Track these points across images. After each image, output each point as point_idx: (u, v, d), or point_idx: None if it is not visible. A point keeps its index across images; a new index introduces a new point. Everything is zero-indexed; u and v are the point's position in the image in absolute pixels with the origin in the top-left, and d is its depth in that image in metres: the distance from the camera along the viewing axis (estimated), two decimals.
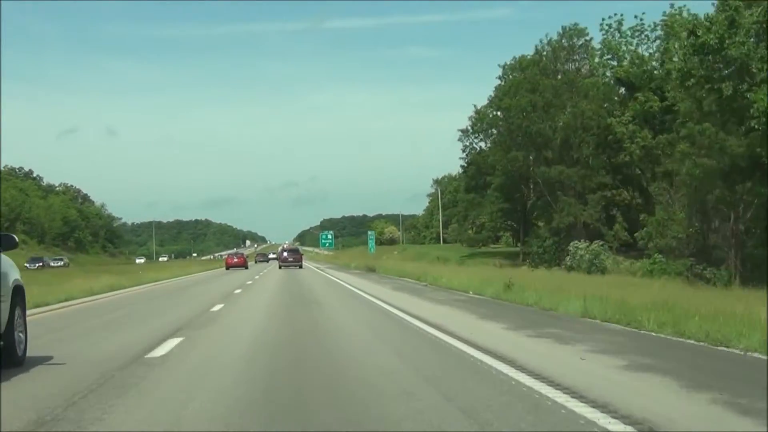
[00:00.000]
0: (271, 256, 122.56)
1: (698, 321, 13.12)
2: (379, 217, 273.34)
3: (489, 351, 10.96)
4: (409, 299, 24.02)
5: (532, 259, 60.13)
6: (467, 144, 67.87)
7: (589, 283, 27.06)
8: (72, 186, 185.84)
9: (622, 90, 60.06)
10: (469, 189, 72.19)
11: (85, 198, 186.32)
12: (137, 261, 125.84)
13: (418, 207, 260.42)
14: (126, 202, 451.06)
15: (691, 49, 37.69)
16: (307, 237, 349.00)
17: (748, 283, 32.77)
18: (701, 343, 11.73)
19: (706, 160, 37.01)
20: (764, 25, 35.73)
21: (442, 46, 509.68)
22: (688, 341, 12.06)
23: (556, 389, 7.73)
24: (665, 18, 51.33)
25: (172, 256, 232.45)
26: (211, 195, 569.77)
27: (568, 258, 48.73)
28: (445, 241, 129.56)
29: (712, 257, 40.56)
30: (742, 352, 10.71)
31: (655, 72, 58.59)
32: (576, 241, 48.68)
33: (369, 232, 64.25)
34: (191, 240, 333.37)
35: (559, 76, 60.51)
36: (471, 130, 67.71)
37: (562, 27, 61.36)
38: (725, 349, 11.11)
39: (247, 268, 71.00)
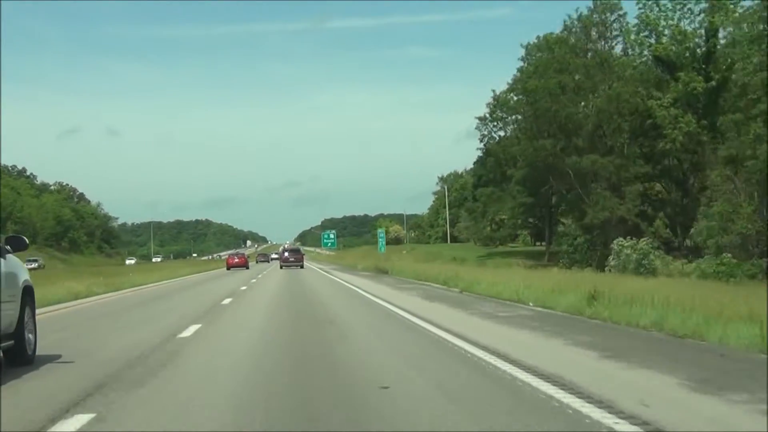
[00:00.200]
0: (273, 256, 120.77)
1: None
2: (381, 216, 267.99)
3: None
4: (456, 315, 17.43)
5: (561, 259, 53.33)
6: (485, 133, 61.04)
7: (674, 288, 20.18)
8: (67, 185, 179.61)
9: (660, 71, 53.25)
10: (487, 182, 65.12)
11: (81, 197, 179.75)
12: (127, 262, 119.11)
13: (419, 206, 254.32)
14: (127, 202, 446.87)
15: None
16: (308, 237, 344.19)
17: None
18: None
19: None
20: None
21: (443, 46, 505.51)
22: None
23: None
24: None
25: (171, 256, 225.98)
26: (212, 195, 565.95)
27: (611, 258, 41.99)
28: (453, 240, 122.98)
29: None
30: None
31: (698, 50, 51.95)
32: (620, 239, 42.01)
33: (379, 230, 57.16)
34: (191, 240, 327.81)
35: (590, 55, 53.69)
36: (489, 118, 60.91)
37: (593, 1, 54.47)
38: None
39: (248, 268, 69.77)
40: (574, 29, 55.01)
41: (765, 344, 9.94)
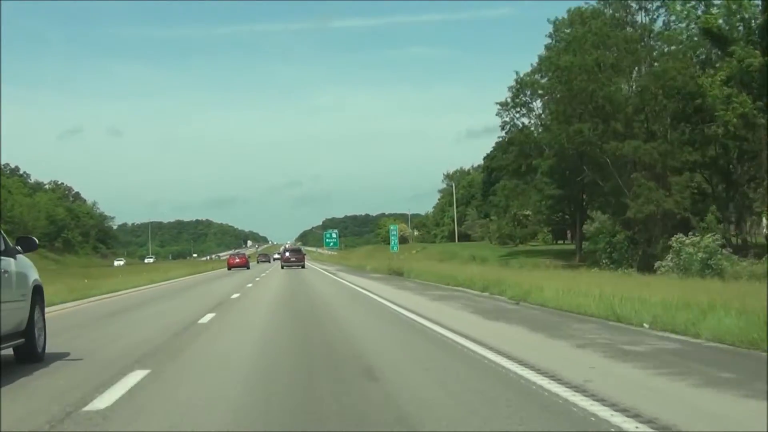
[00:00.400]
0: (275, 256, 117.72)
1: None
2: (382, 216, 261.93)
3: None
4: (560, 350, 11.12)
5: (597, 259, 46.65)
6: (507, 120, 54.25)
7: None
8: (62, 184, 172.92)
9: (710, 45, 46.53)
10: (502, 176, 58.21)
11: (77, 196, 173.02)
12: (116, 263, 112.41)
13: (420, 206, 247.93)
14: (128, 203, 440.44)
15: None
16: (309, 237, 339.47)
17: None
18: None
19: None
20: None
21: (444, 47, 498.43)
22: None
23: None
24: None
25: (170, 257, 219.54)
26: (213, 195, 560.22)
27: (669, 257, 35.34)
28: (461, 239, 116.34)
29: None
30: None
31: (754, 22, 45.21)
32: (680, 236, 35.37)
33: (391, 227, 50.24)
34: (191, 240, 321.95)
35: (629, 29, 46.99)
36: (511, 103, 54.12)
37: None
38: None
39: (248, 268, 69.24)
40: (610, 0, 48.16)
41: None
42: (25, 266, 10.12)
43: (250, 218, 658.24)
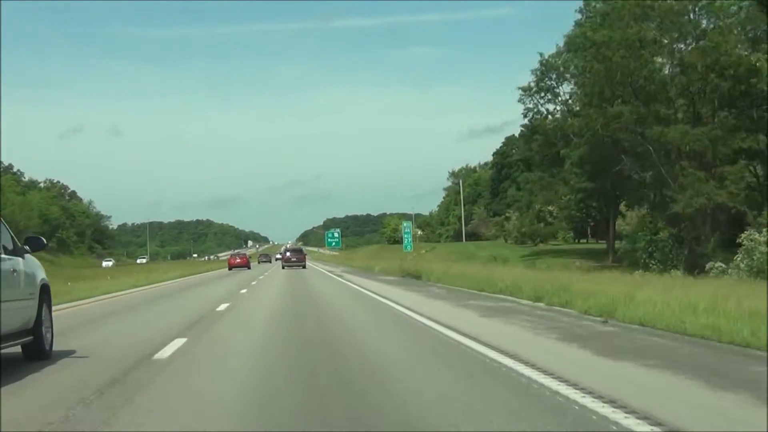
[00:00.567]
0: (277, 256, 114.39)
1: None
2: (384, 215, 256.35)
3: None
4: None
5: (635, 259, 40.98)
6: (530, 106, 48.49)
7: None
8: (58, 182, 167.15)
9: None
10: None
11: (73, 195, 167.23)
12: (104, 264, 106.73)
13: (421, 206, 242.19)
14: (128, 203, 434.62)
15: None
16: (310, 237, 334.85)
17: None
18: None
19: None
20: None
21: (445, 46, 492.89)
22: None
23: None
24: None
25: (168, 257, 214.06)
26: (214, 195, 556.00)
27: (738, 257, 29.70)
28: (468, 238, 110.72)
29: None
30: None
31: None
32: (752, 232, 29.71)
33: (404, 224, 44.09)
34: (192, 240, 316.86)
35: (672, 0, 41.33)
36: (535, 88, 48.39)
37: None
38: None
39: (249, 268, 68.31)
40: None
41: None
42: (33, 265, 10.22)
43: (250, 218, 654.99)
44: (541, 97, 48.76)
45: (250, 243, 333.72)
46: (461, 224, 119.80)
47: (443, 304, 19.37)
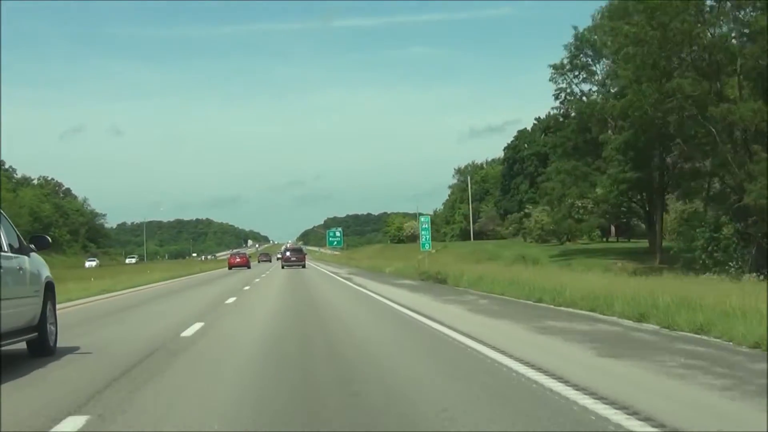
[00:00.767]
0: (278, 256, 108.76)
1: None
2: (384, 215, 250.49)
3: None
4: None
5: (692, 259, 34.82)
6: (563, 86, 42.20)
7: None
8: (52, 179, 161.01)
9: None
10: (566, 154, 45.80)
11: (67, 192, 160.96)
12: (87, 264, 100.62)
13: (422, 205, 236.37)
14: (128, 202, 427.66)
15: None
16: (311, 236, 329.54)
17: None
18: None
19: None
20: None
21: (446, 46, 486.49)
22: None
23: None
24: None
25: (166, 256, 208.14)
26: (214, 194, 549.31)
27: None
28: (476, 237, 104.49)
29: None
30: None
31: None
32: None
33: (421, 218, 37.36)
34: (191, 240, 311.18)
35: None
36: (568, 66, 42.15)
37: None
38: None
39: (249, 267, 67.96)
40: None
41: None
42: (38, 264, 10.28)
43: (250, 218, 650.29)
44: (575, 76, 42.56)
45: (249, 242, 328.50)
46: (468, 222, 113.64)
47: (513, 328, 13.17)
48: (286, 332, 12.97)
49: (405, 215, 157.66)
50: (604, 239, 60.73)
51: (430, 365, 9.02)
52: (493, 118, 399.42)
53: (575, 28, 42.23)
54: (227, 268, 66.90)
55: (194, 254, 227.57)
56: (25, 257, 9.74)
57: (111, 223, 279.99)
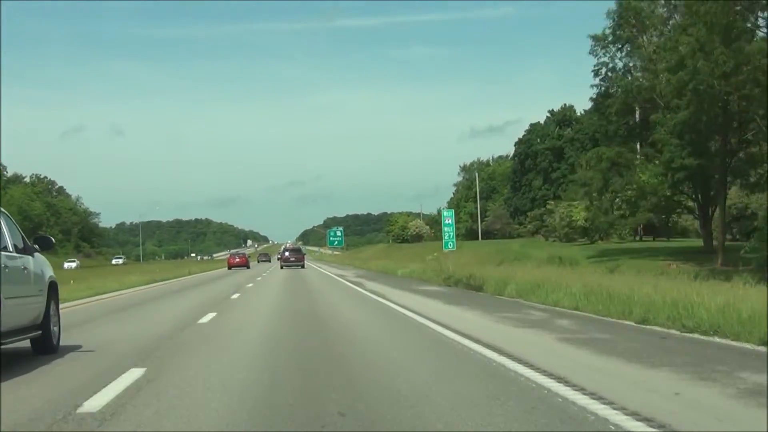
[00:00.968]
0: (278, 256, 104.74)
1: None
2: (385, 215, 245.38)
3: None
4: None
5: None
6: (605, 60, 36.07)
7: None
8: (45, 177, 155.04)
9: None
10: (606, 138, 39.39)
11: (60, 191, 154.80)
12: (66, 266, 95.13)
13: (424, 205, 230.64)
14: (127, 201, 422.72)
15: None
16: (310, 236, 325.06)
17: None
18: None
19: None
20: None
21: (447, 46, 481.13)
22: None
23: None
24: None
25: (162, 256, 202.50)
26: (214, 194, 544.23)
27: None
28: (484, 236, 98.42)
29: None
30: None
31: None
32: None
33: (444, 212, 30.71)
34: (190, 240, 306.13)
35: None
36: (611, 37, 36.01)
37: None
38: None
39: (248, 267, 67.93)
40: None
41: None
42: (41, 264, 10.36)
43: (250, 217, 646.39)
44: (618, 49, 36.46)
45: (249, 242, 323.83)
46: (474, 221, 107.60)
47: (680, 384, 7.00)
48: (285, 396, 6.75)
49: (409, 214, 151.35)
50: (638, 238, 54.57)
51: None
52: (494, 118, 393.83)
53: None
54: (227, 268, 66.92)
55: (193, 254, 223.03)
56: (29, 257, 9.88)
57: (110, 223, 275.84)
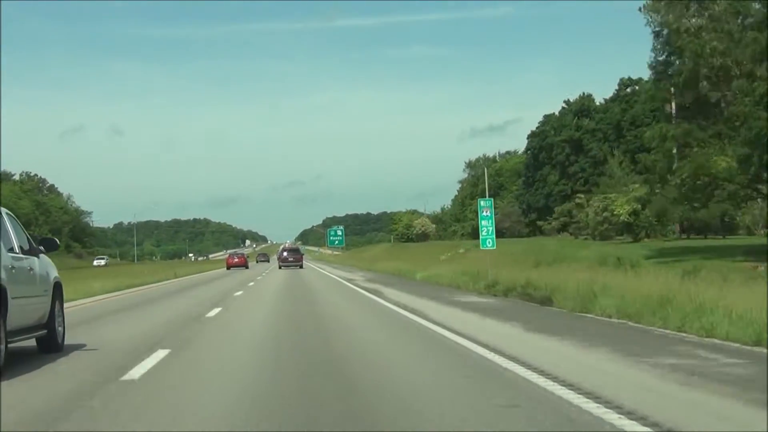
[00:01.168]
0: (277, 256, 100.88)
1: None
2: (384, 215, 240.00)
3: None
4: None
5: None
6: (669, 19, 29.32)
7: None
8: (35, 175, 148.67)
9: None
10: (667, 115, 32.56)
11: (51, 189, 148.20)
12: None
13: (423, 205, 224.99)
14: (126, 201, 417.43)
15: None
16: (310, 236, 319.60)
17: None
18: None
19: None
20: None
21: (446, 45, 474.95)
22: None
23: None
24: None
25: (158, 257, 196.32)
26: (213, 194, 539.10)
27: None
28: (496, 235, 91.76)
29: None
30: None
31: None
32: None
33: (481, 203, 24.32)
34: (188, 240, 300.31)
35: None
36: None
37: None
38: None
39: (247, 267, 68.09)
40: None
41: None
42: (46, 264, 10.66)
43: (249, 217, 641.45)
44: (686, 9, 29.83)
45: (248, 242, 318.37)
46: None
47: None
48: None
49: (413, 212, 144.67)
50: (683, 235, 47.69)
51: None
52: (494, 118, 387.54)
53: None
54: (225, 269, 66.09)
55: (190, 255, 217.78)
56: (35, 258, 10.13)
57: (108, 222, 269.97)
